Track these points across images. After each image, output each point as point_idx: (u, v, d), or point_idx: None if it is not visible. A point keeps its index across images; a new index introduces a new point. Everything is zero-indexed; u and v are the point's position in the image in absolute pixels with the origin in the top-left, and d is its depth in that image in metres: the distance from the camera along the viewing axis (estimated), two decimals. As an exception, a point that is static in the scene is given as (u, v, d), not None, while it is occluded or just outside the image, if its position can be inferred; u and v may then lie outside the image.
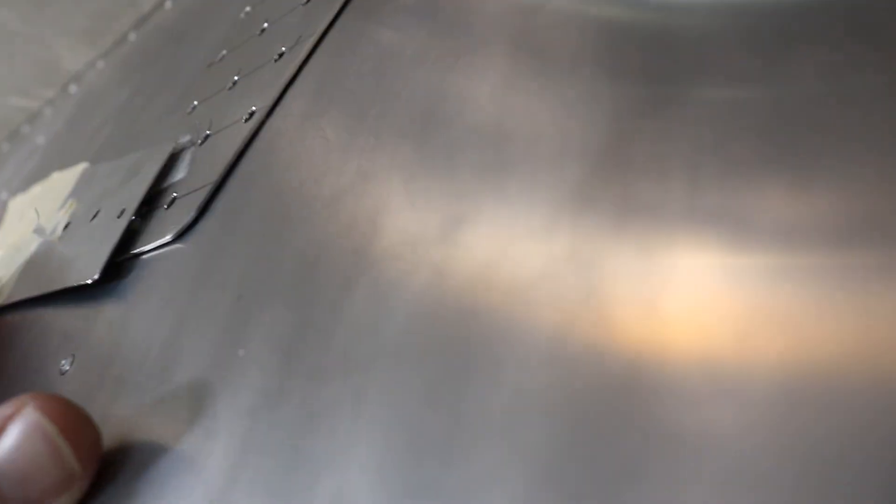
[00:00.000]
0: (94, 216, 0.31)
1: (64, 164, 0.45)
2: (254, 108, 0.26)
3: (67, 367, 0.26)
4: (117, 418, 0.21)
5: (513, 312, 0.14)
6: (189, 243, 0.25)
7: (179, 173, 0.28)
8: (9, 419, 0.19)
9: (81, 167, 0.40)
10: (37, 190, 0.46)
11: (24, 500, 0.18)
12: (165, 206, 0.27)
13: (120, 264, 0.27)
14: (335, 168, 0.22)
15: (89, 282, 0.27)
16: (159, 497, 0.17)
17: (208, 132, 0.28)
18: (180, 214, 0.26)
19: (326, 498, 0.14)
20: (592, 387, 0.12)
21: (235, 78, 0.30)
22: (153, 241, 0.26)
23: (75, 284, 0.27)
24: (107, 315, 0.26)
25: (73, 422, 0.19)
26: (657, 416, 0.11)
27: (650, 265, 0.13)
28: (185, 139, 0.30)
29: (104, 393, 0.24)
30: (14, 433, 0.19)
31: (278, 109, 0.26)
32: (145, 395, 0.21)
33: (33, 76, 0.64)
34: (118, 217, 0.28)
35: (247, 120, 0.26)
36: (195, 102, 0.32)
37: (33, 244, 0.37)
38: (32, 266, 0.35)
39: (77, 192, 0.37)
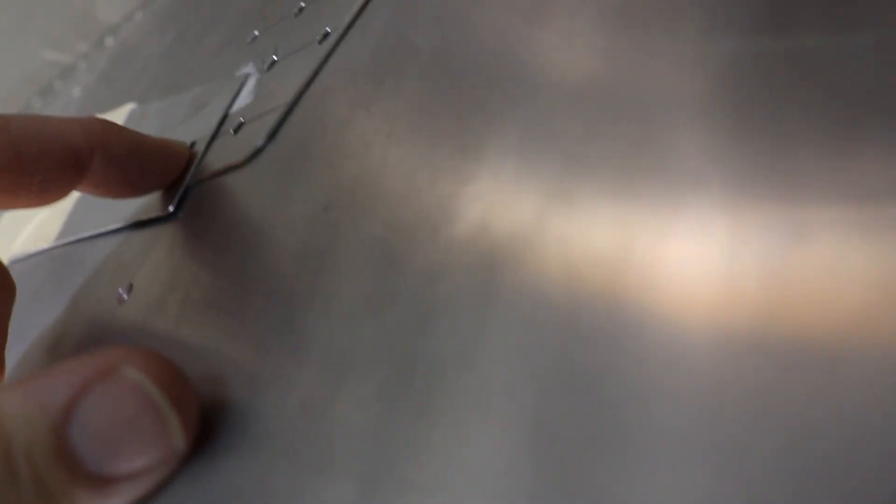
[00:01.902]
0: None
1: (104, 110, 0.44)
2: (328, 28, 0.25)
3: (126, 296, 0.25)
4: (185, 344, 0.20)
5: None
6: (260, 165, 0.24)
7: (244, 100, 0.27)
8: (98, 377, 0.15)
9: (127, 108, 0.39)
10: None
11: (116, 475, 0.15)
12: (232, 132, 0.26)
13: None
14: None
15: (167, 212, 0.25)
16: (250, 412, 0.16)
17: (275, 58, 0.27)
18: (250, 138, 0.24)
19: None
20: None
21: (302, 4, 0.28)
22: (220, 166, 0.25)
23: (152, 217, 0.26)
24: (166, 241, 0.25)
25: (177, 386, 0.16)
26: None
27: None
28: (247, 68, 0.29)
29: (167, 318, 0.22)
30: (108, 395, 0.15)
31: (354, 29, 0.24)
32: (220, 316, 0.20)
33: (67, 29, 0.62)
34: (189, 148, 0.27)
35: (321, 41, 0.25)
36: (255, 33, 0.31)
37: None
38: (86, 201, 0.34)
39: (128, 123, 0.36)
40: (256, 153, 0.24)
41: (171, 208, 0.25)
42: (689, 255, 0.12)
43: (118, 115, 0.39)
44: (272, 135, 0.24)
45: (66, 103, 0.57)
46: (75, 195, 0.34)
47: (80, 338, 0.25)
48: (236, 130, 0.26)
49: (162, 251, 0.25)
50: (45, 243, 0.34)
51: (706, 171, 0.12)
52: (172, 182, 0.26)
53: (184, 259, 0.24)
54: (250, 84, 0.27)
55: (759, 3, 0.14)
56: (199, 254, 0.23)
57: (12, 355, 0.25)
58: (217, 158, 0.26)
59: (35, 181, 0.22)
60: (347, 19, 0.25)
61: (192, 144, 0.27)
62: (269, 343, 0.17)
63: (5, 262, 0.38)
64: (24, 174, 0.21)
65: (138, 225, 0.27)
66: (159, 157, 0.25)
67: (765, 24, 0.13)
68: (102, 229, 0.29)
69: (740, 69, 0.13)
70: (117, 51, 0.55)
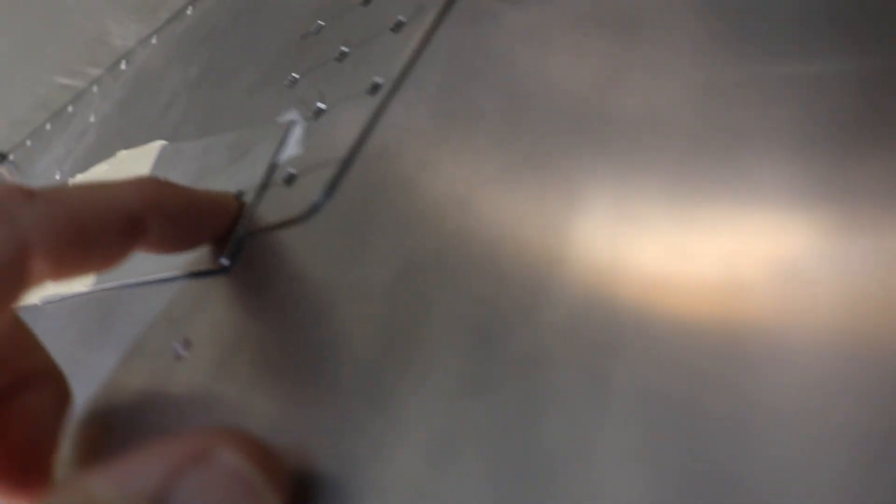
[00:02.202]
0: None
1: (128, 142, 0.44)
2: (377, 80, 0.25)
3: (183, 352, 0.25)
4: (261, 411, 0.20)
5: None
6: (319, 222, 0.24)
7: (291, 149, 0.27)
8: (191, 461, 0.15)
9: (157, 145, 0.39)
10: (102, 168, 0.45)
11: None
12: (283, 183, 0.26)
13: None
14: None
15: (220, 265, 0.25)
16: (347, 491, 0.16)
17: (321, 106, 0.27)
18: (305, 192, 0.24)
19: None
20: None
21: (343, 49, 0.28)
22: (274, 220, 0.25)
23: (204, 269, 0.26)
24: (221, 295, 0.25)
25: (273, 469, 0.16)
26: None
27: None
28: (290, 114, 0.29)
29: (235, 381, 0.22)
30: (204, 480, 0.15)
31: (406, 82, 0.24)
32: (296, 382, 0.20)
33: (80, 53, 0.62)
34: (236, 199, 0.27)
35: (371, 92, 0.25)
36: (295, 75, 0.31)
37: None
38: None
39: (160, 171, 0.36)
40: (314, 209, 0.24)
41: (224, 261, 0.26)
42: (824, 345, 0.12)
43: (148, 153, 0.39)
44: (330, 190, 0.24)
45: (84, 128, 0.57)
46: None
47: (139, 396, 0.25)
48: (288, 182, 0.26)
49: (219, 306, 0.25)
50: (82, 286, 0.34)
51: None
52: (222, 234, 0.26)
53: (245, 316, 0.24)
54: (296, 132, 0.27)
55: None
56: (261, 312, 0.23)
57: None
58: (269, 211, 0.26)
59: (97, 251, 0.22)
60: (397, 71, 0.25)
61: (240, 194, 0.27)
62: (360, 416, 0.17)
63: (38, 302, 0.38)
64: (87, 246, 0.21)
65: (189, 276, 0.27)
66: (211, 212, 0.25)
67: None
68: (149, 277, 0.29)
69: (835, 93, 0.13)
70: (134, 78, 0.54)
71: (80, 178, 0.48)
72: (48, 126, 0.67)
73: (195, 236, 0.25)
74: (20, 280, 0.20)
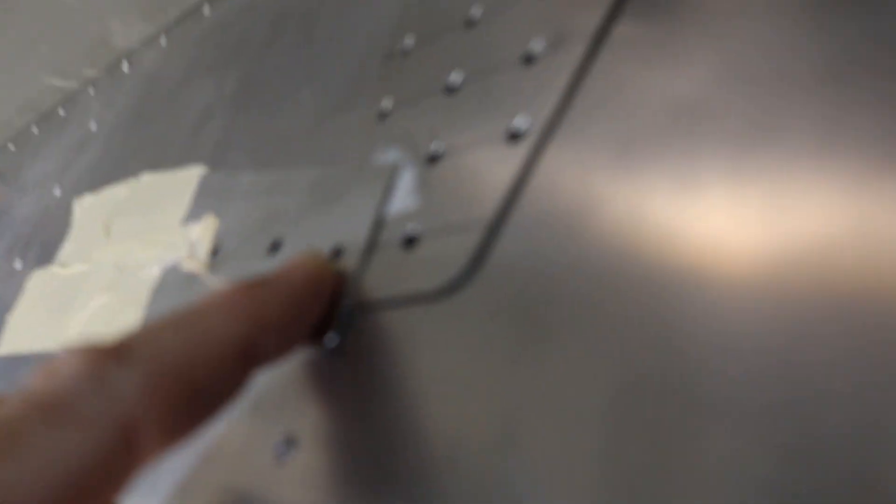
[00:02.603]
0: (276, 247, 0.26)
1: (148, 162, 0.39)
2: (519, 125, 0.21)
3: (286, 453, 0.21)
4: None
5: None
6: (459, 301, 0.20)
7: (402, 201, 0.23)
8: None
9: (196, 172, 0.34)
10: (121, 192, 0.40)
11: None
12: (399, 246, 0.22)
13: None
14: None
15: (325, 345, 0.21)
16: None
17: (436, 150, 0.23)
18: (439, 261, 0.20)
19: None
20: None
21: (453, 81, 0.24)
22: (393, 293, 0.21)
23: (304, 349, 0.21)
24: (333, 383, 0.21)
25: None
26: None
27: None
28: (390, 153, 0.24)
29: (348, 494, 0.18)
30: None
31: (559, 129, 0.20)
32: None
33: (75, 52, 0.56)
34: (335, 256, 0.22)
35: (510, 140, 0.21)
36: (386, 105, 0.26)
37: (152, 267, 0.31)
38: (165, 297, 0.30)
39: (205, 204, 0.31)
40: (454, 285, 0.20)
41: (332, 342, 0.21)
42: None
43: (185, 180, 0.34)
44: (475, 262, 0.20)
45: (83, 138, 0.51)
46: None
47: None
48: (407, 245, 0.21)
49: (331, 399, 0.21)
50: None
51: None
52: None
53: (361, 412, 0.20)
54: (406, 180, 0.23)
55: None
56: (381, 408, 0.19)
57: None
58: (384, 280, 0.21)
59: (211, 401, 0.18)
60: (546, 116, 0.20)
61: (337, 252, 0.23)
62: None
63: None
64: (199, 400, 0.17)
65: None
66: (316, 296, 0.21)
67: None
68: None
69: None
70: (144, 84, 0.49)
71: (90, 199, 0.43)
72: (35, 129, 0.62)
73: (305, 331, 0.21)
74: (128, 465, 0.16)
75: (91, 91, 0.57)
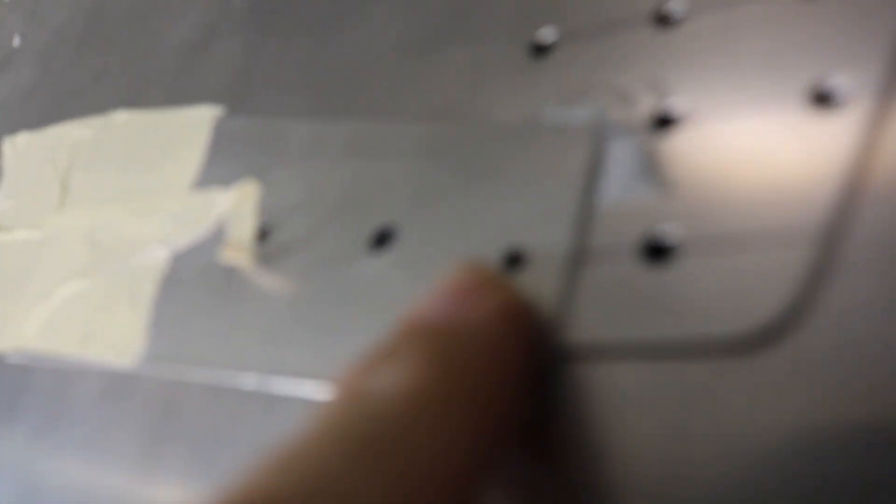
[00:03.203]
0: (383, 240, 0.18)
1: (118, 99, 0.30)
2: (832, 85, 0.13)
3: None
4: None
5: None
6: (770, 359, 0.12)
7: (622, 187, 0.15)
8: None
9: (207, 113, 0.25)
10: (78, 135, 0.30)
11: None
12: (640, 258, 0.14)
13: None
14: None
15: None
16: None
17: (668, 110, 0.15)
18: (740, 291, 0.13)
19: None
20: None
21: (678, 5, 0.16)
22: (644, 333, 0.13)
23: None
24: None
25: None
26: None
27: None
28: (580, 111, 0.16)
29: None
30: None
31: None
32: None
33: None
34: (509, 266, 0.15)
35: (818, 104, 0.13)
36: (547, 34, 0.18)
37: (155, 248, 0.23)
38: (185, 296, 0.21)
39: (234, 162, 0.23)
40: (770, 331, 0.12)
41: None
42: None
43: (192, 124, 0.25)
44: (805, 300, 0.12)
45: (1, 58, 0.40)
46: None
47: None
48: (654, 254, 0.14)
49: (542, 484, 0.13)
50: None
51: None
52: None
53: None
54: (624, 156, 0.15)
55: None
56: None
57: None
58: (617, 312, 0.14)
59: None
60: (877, 75, 0.13)
61: (513, 261, 0.15)
62: None
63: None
64: None
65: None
66: (523, 353, 0.13)
67: None
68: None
69: None
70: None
71: (27, 139, 0.33)
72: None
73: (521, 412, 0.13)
74: None
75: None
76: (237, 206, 0.21)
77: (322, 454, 0.11)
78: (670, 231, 0.14)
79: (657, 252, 0.14)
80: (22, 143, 0.33)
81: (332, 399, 0.12)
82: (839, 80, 0.13)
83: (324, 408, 0.12)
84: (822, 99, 0.14)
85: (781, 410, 0.12)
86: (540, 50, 0.18)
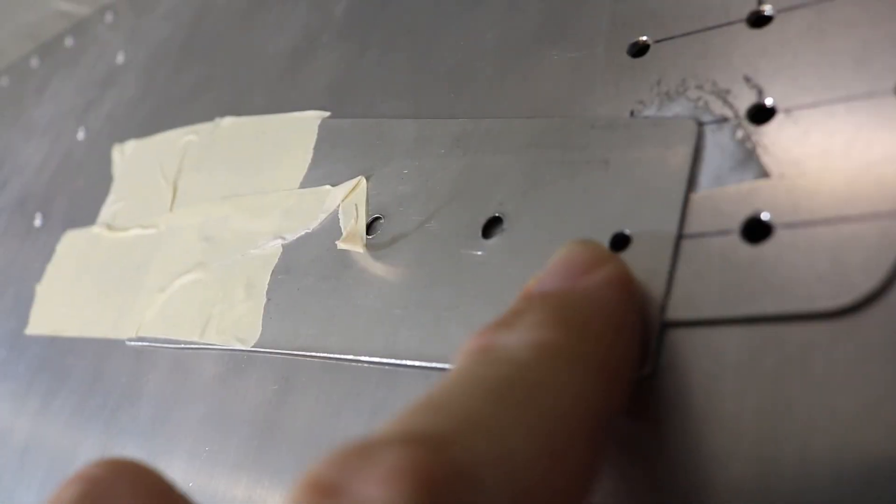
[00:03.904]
0: (491, 227, 0.19)
1: (220, 108, 0.32)
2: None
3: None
4: None
5: None
6: (854, 318, 0.14)
7: (722, 172, 0.16)
8: None
9: (314, 116, 0.27)
10: (186, 140, 0.32)
11: None
12: (740, 237, 0.15)
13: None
14: None
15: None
16: None
17: (768, 103, 0.16)
18: (837, 268, 0.14)
19: None
20: None
21: (768, 5, 0.18)
22: (749, 307, 0.14)
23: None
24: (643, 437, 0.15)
25: None
26: None
27: None
28: (681, 106, 0.18)
29: None
30: None
31: None
32: None
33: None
34: (616, 248, 0.16)
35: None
36: (643, 36, 0.19)
37: (267, 241, 0.24)
38: (297, 284, 0.23)
39: (341, 160, 0.24)
40: (865, 302, 0.13)
41: (647, 367, 0.15)
42: None
43: (299, 126, 0.27)
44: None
45: (108, 73, 0.43)
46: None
47: None
48: (751, 235, 0.15)
49: (644, 442, 0.15)
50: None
51: None
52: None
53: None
54: (724, 145, 0.16)
55: None
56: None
57: None
58: (720, 287, 0.15)
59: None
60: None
61: (620, 243, 0.16)
62: None
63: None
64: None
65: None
66: (634, 320, 0.15)
67: None
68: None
69: None
70: (186, 10, 0.41)
71: (135, 146, 0.35)
72: (34, 62, 0.53)
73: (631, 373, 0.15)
74: None
75: (109, 17, 0.48)
76: (348, 199, 0.23)
77: (465, 396, 0.12)
78: (768, 213, 0.15)
79: (756, 231, 0.15)
80: (130, 149, 0.36)
81: (463, 354, 0.14)
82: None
83: (459, 360, 0.13)
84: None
85: (874, 370, 0.13)
86: (639, 50, 0.19)
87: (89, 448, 0.28)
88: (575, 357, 0.13)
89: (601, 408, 0.13)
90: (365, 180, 0.23)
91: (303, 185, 0.25)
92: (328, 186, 0.24)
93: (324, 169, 0.25)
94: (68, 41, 0.51)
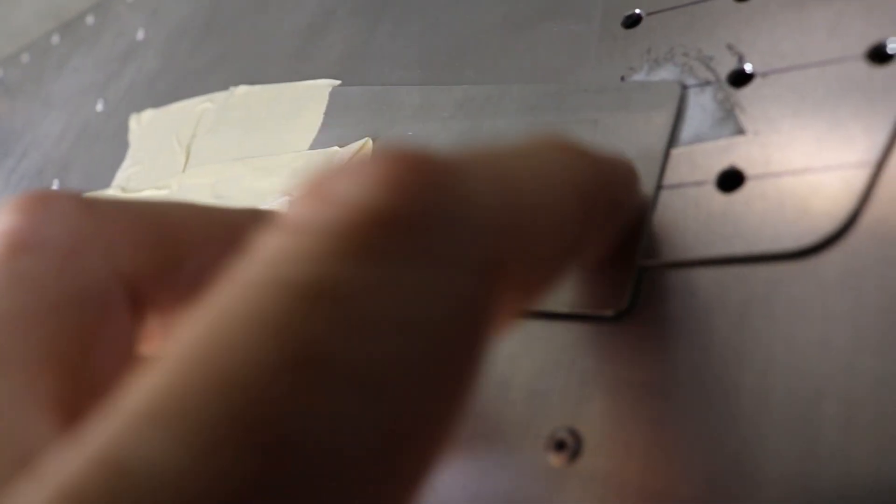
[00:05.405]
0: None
1: (237, 79, 0.33)
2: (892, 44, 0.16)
3: (567, 449, 0.15)
4: None
5: None
6: (826, 262, 0.15)
7: (704, 129, 0.17)
8: None
9: (324, 84, 0.28)
10: (200, 108, 0.33)
11: None
12: (714, 186, 0.16)
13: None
14: None
15: (613, 308, 0.16)
16: None
17: (747, 68, 0.18)
18: (801, 213, 0.15)
19: None
20: None
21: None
22: (724, 248, 0.16)
23: (583, 313, 0.16)
24: (623, 361, 0.16)
25: None
26: None
27: None
28: (667, 71, 0.19)
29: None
30: None
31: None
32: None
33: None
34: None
35: (872, 60, 0.16)
36: (636, 9, 0.21)
37: (277, 199, 0.26)
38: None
39: (348, 124, 0.26)
40: (824, 244, 0.15)
41: (619, 304, 0.16)
42: None
43: (308, 96, 0.28)
44: (850, 221, 0.15)
45: (128, 49, 0.45)
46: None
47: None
48: (726, 184, 0.16)
49: (621, 380, 0.16)
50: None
51: None
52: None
53: (677, 406, 0.15)
54: (703, 104, 0.18)
55: None
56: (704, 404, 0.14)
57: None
58: (694, 230, 0.16)
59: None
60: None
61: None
62: None
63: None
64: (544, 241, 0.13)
65: (550, 317, 0.17)
66: (628, 200, 0.16)
67: None
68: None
69: None
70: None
71: (152, 114, 0.37)
72: (55, 39, 0.54)
73: (613, 234, 0.16)
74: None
75: (130, -4, 0.50)
76: (354, 159, 0.24)
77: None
78: (742, 165, 0.16)
79: (730, 182, 0.16)
80: (147, 118, 0.37)
81: None
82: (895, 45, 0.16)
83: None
84: (881, 58, 0.16)
85: (830, 304, 0.14)
86: (632, 22, 0.20)
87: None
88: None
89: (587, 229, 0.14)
90: (371, 142, 0.24)
91: (312, 148, 0.26)
92: (336, 147, 0.25)
93: (332, 132, 0.26)
94: (89, 19, 0.52)
